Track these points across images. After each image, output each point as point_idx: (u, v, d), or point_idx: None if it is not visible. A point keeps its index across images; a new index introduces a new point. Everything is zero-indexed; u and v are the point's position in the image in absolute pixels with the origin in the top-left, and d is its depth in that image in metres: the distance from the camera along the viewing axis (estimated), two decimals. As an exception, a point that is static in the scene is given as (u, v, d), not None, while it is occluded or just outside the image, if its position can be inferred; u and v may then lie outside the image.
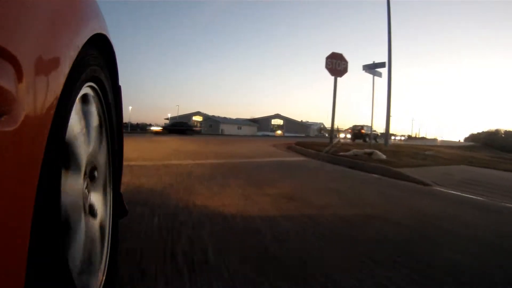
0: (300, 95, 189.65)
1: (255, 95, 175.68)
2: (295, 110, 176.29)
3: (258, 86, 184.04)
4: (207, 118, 63.60)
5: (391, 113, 11.84)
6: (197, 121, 71.14)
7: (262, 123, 69.27)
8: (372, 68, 10.55)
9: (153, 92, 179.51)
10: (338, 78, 10.19)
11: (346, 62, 9.91)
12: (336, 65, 9.66)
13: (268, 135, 50.58)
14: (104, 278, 0.82)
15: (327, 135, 77.75)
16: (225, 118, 63.21)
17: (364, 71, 10.63)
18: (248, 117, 79.68)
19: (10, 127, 0.34)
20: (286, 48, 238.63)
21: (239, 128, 58.67)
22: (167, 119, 66.15)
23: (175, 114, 64.33)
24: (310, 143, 9.71)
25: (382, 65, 10.67)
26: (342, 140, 16.09)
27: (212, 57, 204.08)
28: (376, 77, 10.45)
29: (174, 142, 10.03)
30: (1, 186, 0.33)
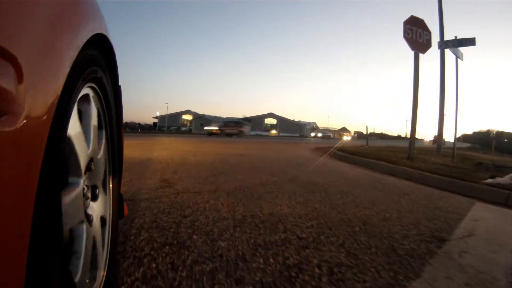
0: (292, 94, 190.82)
1: (247, 93, 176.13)
2: (288, 109, 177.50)
3: (249, 84, 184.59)
4: (197, 117, 62.33)
5: (445, 112, 8.77)
6: (187, 120, 70.58)
7: (255, 122, 68.86)
8: (455, 46, 7.78)
9: (141, 90, 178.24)
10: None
11: (429, 32, 6.78)
12: (417, 35, 6.64)
13: (261, 135, 50.40)
14: (105, 274, 0.83)
15: (320, 134, 77.60)
16: (215, 117, 61.18)
17: (443, 49, 8.12)
18: (240, 116, 79.42)
19: (10, 127, 0.34)
20: (278, 46, 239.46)
21: (232, 127, 57.75)
22: (156, 117, 65.48)
23: (164, 113, 63.40)
24: (372, 152, 7.45)
25: (470, 42, 7.67)
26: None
27: (202, 55, 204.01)
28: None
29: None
30: (1, 186, 0.33)
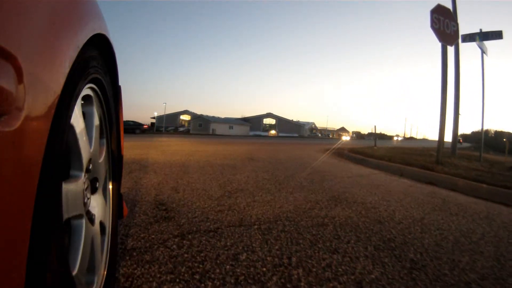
0: (291, 94, 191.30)
1: (246, 93, 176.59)
2: (287, 109, 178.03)
3: (248, 84, 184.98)
4: (196, 117, 61.70)
5: (460, 111, 7.87)
6: (185, 120, 70.43)
7: (253, 123, 68.81)
8: (481, 40, 7.34)
9: (139, 90, 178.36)
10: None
11: (456, 23, 6.39)
12: (445, 25, 6.17)
13: (260, 135, 50.46)
14: (105, 273, 0.84)
15: (320, 135, 77.60)
16: (213, 117, 60.96)
17: (468, 42, 7.61)
18: (238, 116, 79.32)
19: (10, 127, 0.34)
20: (277, 47, 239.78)
21: (231, 127, 57.54)
22: (154, 118, 65.20)
23: (162, 113, 62.92)
24: (391, 155, 6.87)
25: (496, 35, 7.30)
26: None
27: (201, 56, 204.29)
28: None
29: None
30: (1, 186, 0.33)
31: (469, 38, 7.60)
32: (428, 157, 6.61)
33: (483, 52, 7.52)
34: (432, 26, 5.98)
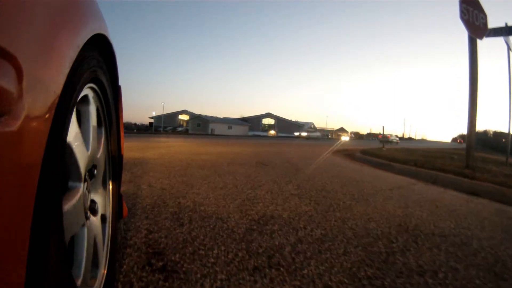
0: (290, 94, 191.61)
1: (245, 93, 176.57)
2: (286, 109, 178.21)
3: (247, 84, 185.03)
4: (194, 117, 61.17)
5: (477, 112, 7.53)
6: (183, 120, 70.31)
7: (252, 123, 68.74)
8: (507, 34, 6.97)
9: (137, 90, 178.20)
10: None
11: (485, 15, 5.93)
12: (474, 17, 5.74)
13: (260, 135, 50.39)
14: (105, 272, 0.84)
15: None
16: (212, 117, 60.24)
17: (492, 37, 6.98)
18: (237, 116, 79.25)
19: (10, 127, 0.34)
20: (276, 46, 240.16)
21: (230, 127, 57.16)
22: (152, 117, 65.02)
23: (160, 113, 62.71)
24: (412, 158, 6.45)
25: None
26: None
27: (200, 55, 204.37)
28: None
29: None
30: (1, 187, 0.33)
31: (493, 32, 6.92)
32: (451, 160, 6.27)
33: (509, 48, 7.02)
34: (462, 17, 5.48)
